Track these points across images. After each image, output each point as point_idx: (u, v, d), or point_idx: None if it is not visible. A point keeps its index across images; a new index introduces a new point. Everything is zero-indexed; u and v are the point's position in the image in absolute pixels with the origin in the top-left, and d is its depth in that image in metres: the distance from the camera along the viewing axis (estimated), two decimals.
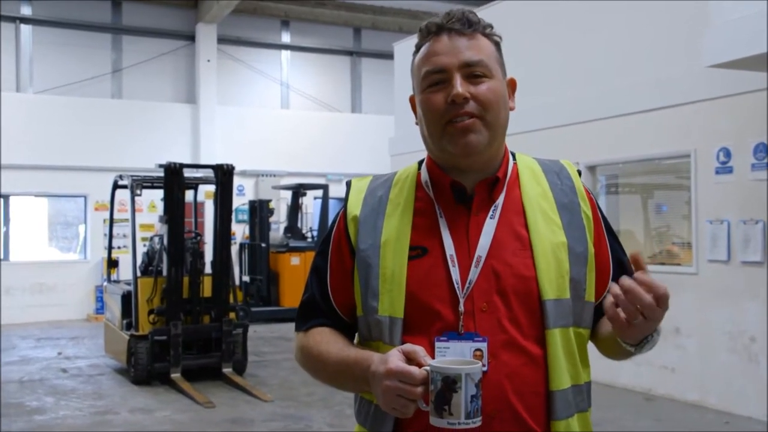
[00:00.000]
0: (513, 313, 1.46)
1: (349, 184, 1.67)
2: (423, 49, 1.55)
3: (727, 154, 6.76)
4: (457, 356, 1.42)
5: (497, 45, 1.57)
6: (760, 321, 6.43)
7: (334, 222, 1.64)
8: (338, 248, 1.60)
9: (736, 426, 6.34)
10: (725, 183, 6.79)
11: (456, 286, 1.47)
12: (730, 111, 6.76)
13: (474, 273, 1.47)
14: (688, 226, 7.29)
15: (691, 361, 7.09)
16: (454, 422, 1.28)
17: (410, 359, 1.35)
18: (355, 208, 1.60)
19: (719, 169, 6.84)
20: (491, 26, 1.57)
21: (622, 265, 1.60)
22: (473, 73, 1.49)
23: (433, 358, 1.41)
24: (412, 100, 1.61)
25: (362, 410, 1.56)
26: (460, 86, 1.47)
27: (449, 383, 1.28)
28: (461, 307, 1.45)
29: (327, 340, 1.57)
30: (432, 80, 1.51)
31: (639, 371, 7.47)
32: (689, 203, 7.22)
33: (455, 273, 1.48)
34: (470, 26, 1.52)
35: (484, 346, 1.43)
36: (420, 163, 1.64)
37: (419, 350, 1.36)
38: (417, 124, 1.59)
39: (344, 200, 1.64)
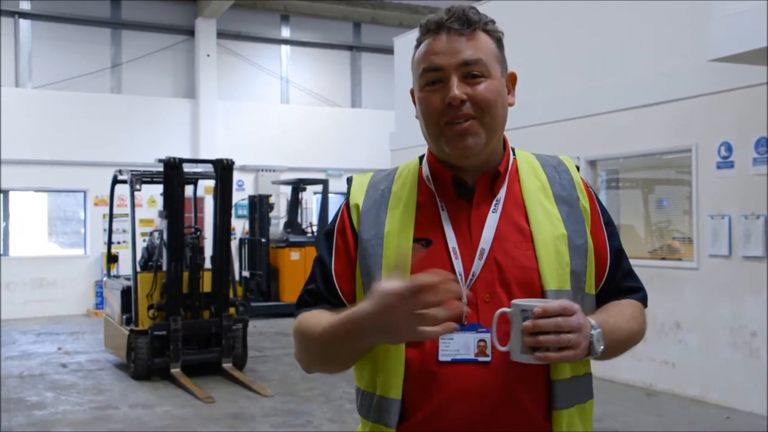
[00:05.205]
0: None
1: (350, 180, 1.67)
2: (422, 47, 1.54)
3: (729, 148, 6.74)
4: (461, 346, 1.43)
5: (498, 41, 1.56)
6: (761, 316, 6.42)
7: (337, 213, 1.64)
8: (343, 236, 1.59)
9: (737, 421, 6.33)
10: (726, 178, 6.77)
11: (459, 277, 1.47)
12: (731, 105, 6.74)
13: (478, 265, 1.48)
14: (689, 220, 7.27)
15: (692, 356, 7.08)
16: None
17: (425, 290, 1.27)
18: (357, 198, 1.61)
19: (720, 163, 6.82)
20: (493, 21, 1.55)
21: (619, 256, 1.62)
22: (471, 72, 1.48)
23: (438, 348, 1.43)
24: (412, 92, 1.61)
25: (365, 403, 1.55)
26: (456, 88, 1.47)
27: None
28: (464, 299, 1.45)
29: (318, 316, 1.52)
30: (429, 79, 1.51)
31: (640, 366, 7.46)
32: (690, 198, 7.20)
33: (458, 265, 1.48)
34: (470, 26, 1.50)
35: (488, 336, 1.43)
36: (421, 158, 1.65)
37: (442, 272, 1.30)
38: (417, 117, 1.59)
39: (346, 193, 1.65)
